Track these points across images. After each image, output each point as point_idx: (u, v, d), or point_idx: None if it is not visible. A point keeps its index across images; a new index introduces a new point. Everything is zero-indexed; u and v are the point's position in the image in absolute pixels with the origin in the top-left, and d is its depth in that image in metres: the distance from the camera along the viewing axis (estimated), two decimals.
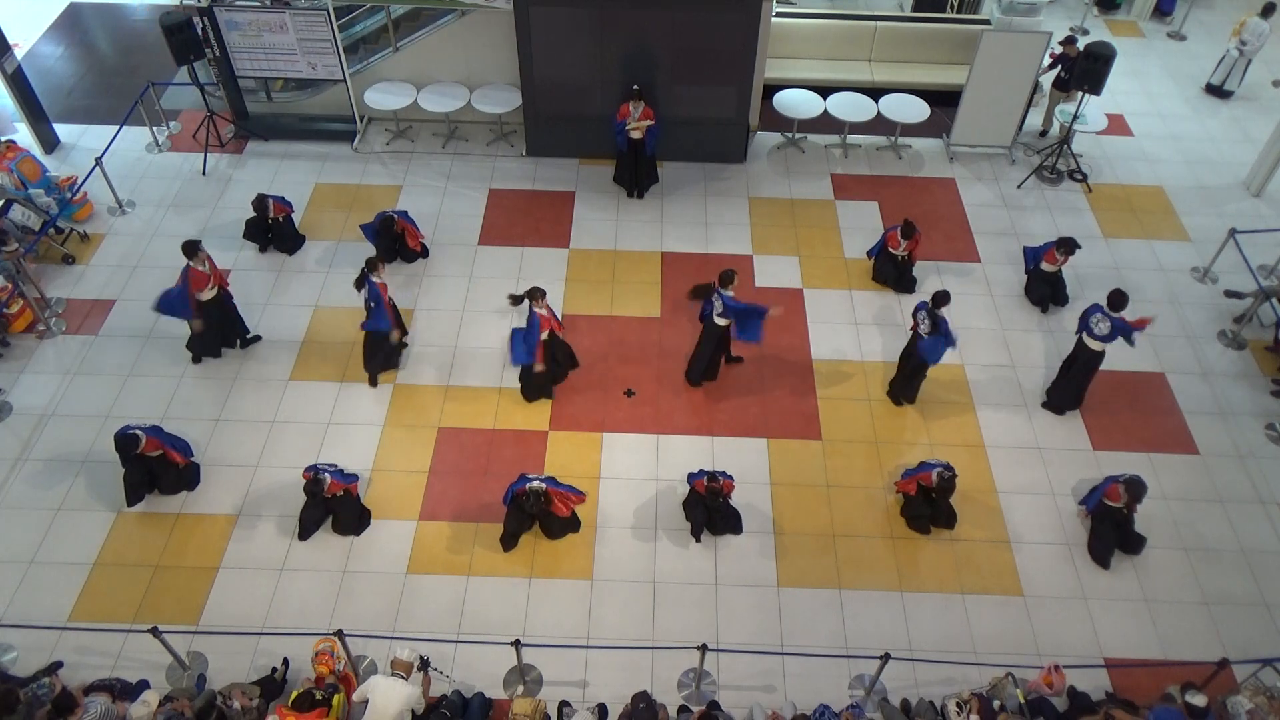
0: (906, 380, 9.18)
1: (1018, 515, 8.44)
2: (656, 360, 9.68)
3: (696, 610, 7.74)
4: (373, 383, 9.33)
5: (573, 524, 8.17)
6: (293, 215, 10.72)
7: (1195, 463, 8.92)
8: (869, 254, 10.59)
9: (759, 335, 8.82)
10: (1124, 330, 8.48)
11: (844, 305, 10.32)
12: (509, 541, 8.03)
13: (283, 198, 10.55)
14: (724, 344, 9.25)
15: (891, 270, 10.38)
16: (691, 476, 8.15)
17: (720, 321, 8.89)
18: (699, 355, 9.25)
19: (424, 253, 10.60)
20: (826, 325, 10.09)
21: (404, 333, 9.40)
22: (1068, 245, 9.75)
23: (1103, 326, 8.57)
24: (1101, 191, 11.88)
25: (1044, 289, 10.19)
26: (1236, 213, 11.52)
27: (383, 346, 9.21)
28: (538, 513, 7.85)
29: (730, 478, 7.96)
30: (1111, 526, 8.02)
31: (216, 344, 9.48)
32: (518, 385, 9.29)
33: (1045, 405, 9.34)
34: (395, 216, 10.19)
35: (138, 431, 7.87)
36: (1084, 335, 8.77)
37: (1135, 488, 7.72)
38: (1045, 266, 10.04)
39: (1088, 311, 8.70)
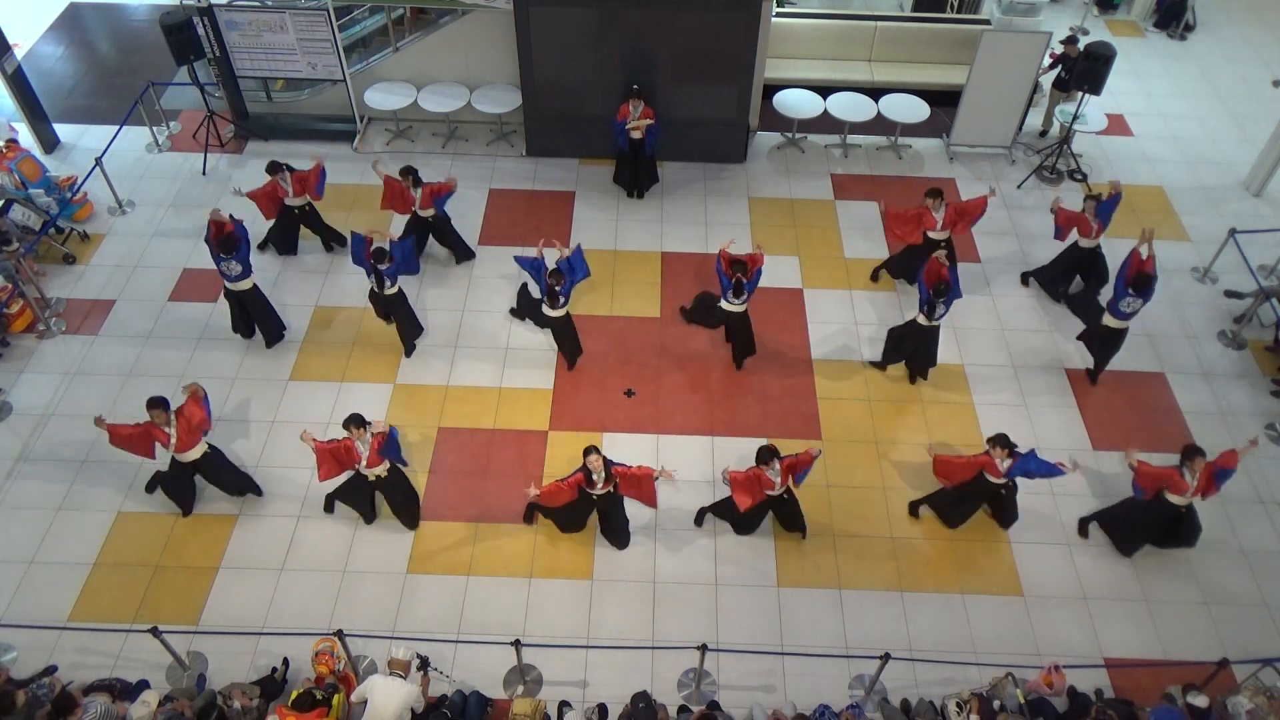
0: (918, 358, 9.31)
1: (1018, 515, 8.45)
2: (656, 360, 9.68)
3: (696, 610, 7.75)
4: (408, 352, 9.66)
5: None
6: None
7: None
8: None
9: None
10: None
11: (844, 305, 10.32)
12: (568, 529, 8.17)
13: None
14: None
15: (914, 261, 9.86)
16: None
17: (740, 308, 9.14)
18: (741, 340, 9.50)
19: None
20: (826, 325, 10.09)
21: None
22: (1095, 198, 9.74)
23: (1134, 305, 8.83)
24: (1101, 192, 11.87)
25: (1077, 270, 10.16)
26: (1236, 213, 11.52)
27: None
28: (609, 503, 7.82)
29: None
30: (1155, 517, 7.87)
31: (248, 326, 9.61)
32: (517, 385, 9.35)
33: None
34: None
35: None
36: (1110, 316, 8.99)
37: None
38: (1083, 243, 9.93)
39: (1115, 297, 8.85)
